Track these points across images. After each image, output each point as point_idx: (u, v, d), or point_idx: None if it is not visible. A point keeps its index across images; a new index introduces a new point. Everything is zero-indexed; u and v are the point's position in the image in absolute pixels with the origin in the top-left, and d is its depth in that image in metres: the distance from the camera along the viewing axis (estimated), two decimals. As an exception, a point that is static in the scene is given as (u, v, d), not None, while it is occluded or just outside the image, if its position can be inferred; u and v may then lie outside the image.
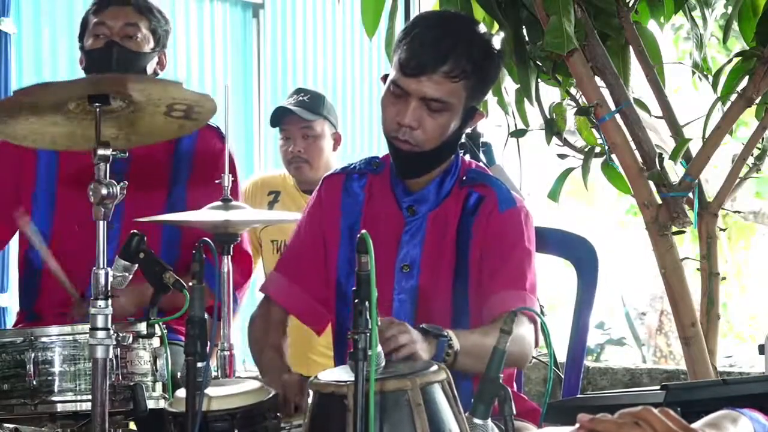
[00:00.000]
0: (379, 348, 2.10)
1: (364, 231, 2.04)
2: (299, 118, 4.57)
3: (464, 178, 2.90)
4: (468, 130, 3.40)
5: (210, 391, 2.19)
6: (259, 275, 4.80)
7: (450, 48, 2.76)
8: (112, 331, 2.45)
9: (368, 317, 2.00)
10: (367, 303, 2.01)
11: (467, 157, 3.06)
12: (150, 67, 3.49)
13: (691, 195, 3.92)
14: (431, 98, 2.77)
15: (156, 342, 2.81)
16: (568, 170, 4.16)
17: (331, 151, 4.65)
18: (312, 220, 3.00)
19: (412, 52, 2.76)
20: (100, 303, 2.44)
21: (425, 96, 2.77)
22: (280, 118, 4.64)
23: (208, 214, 2.91)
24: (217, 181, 2.96)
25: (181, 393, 2.21)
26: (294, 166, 4.61)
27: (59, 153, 3.42)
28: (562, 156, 4.18)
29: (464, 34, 2.81)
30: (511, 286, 2.79)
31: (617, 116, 3.91)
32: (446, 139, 2.82)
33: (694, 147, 3.98)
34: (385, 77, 2.87)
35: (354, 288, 2.03)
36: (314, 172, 4.55)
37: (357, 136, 7.84)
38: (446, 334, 2.49)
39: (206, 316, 2.17)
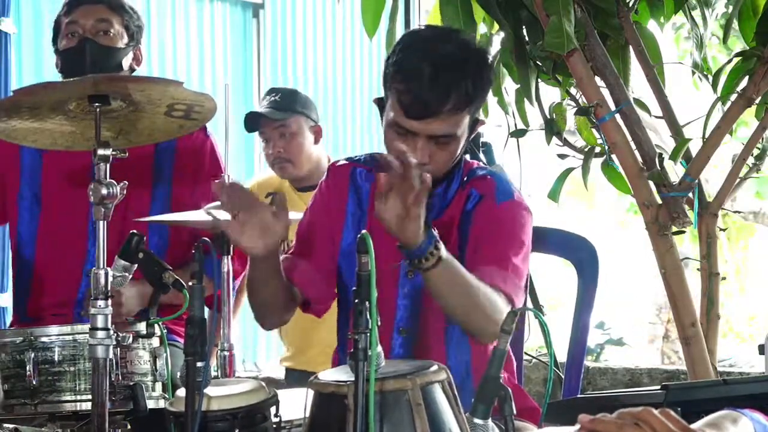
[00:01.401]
0: (379, 348, 2.10)
1: (364, 231, 2.04)
2: (272, 119, 4.55)
3: (465, 178, 2.90)
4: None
5: (210, 391, 2.19)
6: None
7: (448, 83, 2.68)
8: (111, 331, 2.45)
9: (368, 317, 2.00)
10: (367, 303, 2.01)
11: (467, 157, 3.05)
12: (126, 63, 3.46)
13: (691, 195, 3.92)
14: (439, 135, 2.72)
15: (155, 342, 2.81)
16: (568, 170, 4.17)
17: (313, 144, 4.57)
18: (318, 207, 2.95)
19: (412, 96, 2.67)
20: (100, 303, 2.44)
21: (433, 134, 2.71)
22: (255, 122, 4.62)
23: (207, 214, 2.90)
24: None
25: (182, 393, 2.21)
26: (277, 166, 4.57)
27: (42, 152, 3.40)
28: (562, 156, 4.18)
29: (458, 58, 2.71)
30: (493, 263, 2.75)
31: (617, 116, 3.91)
32: (456, 159, 2.82)
33: (694, 147, 3.98)
34: (377, 101, 2.81)
35: (354, 288, 2.03)
36: (298, 169, 4.53)
37: (357, 136, 7.83)
38: (435, 234, 2.51)
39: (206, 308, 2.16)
